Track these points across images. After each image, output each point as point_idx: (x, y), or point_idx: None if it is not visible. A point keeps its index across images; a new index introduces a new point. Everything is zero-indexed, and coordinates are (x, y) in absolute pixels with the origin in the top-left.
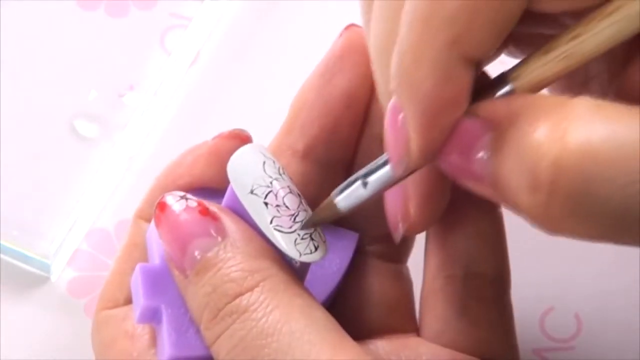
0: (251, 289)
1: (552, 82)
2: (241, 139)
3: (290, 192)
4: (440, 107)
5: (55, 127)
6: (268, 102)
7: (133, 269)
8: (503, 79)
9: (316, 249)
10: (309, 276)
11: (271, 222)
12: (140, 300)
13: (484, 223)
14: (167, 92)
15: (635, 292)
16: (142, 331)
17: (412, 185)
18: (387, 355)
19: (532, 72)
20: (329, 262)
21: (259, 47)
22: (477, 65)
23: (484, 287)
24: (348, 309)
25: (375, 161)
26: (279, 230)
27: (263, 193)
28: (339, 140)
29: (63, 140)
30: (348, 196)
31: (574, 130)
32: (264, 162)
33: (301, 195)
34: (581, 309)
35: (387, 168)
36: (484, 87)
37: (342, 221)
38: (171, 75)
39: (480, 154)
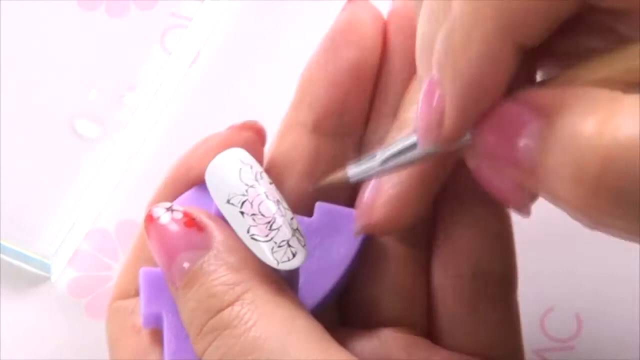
0: (232, 304)
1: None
2: (253, 130)
3: (267, 198)
4: (482, 89)
5: (55, 127)
6: (268, 101)
7: (146, 259)
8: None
9: (294, 255)
10: (314, 264)
11: (248, 231)
12: (142, 306)
13: (492, 221)
14: (167, 92)
15: (635, 292)
16: None
17: (387, 186)
18: (397, 350)
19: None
20: (337, 246)
21: (259, 47)
22: (525, 51)
23: (492, 286)
24: (364, 296)
25: (399, 143)
26: (255, 240)
27: (239, 202)
28: (348, 113)
29: (63, 140)
30: (359, 167)
31: (625, 126)
32: (240, 169)
33: (280, 200)
34: (581, 309)
35: (409, 150)
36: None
37: (352, 202)
38: (171, 75)
39: (525, 141)
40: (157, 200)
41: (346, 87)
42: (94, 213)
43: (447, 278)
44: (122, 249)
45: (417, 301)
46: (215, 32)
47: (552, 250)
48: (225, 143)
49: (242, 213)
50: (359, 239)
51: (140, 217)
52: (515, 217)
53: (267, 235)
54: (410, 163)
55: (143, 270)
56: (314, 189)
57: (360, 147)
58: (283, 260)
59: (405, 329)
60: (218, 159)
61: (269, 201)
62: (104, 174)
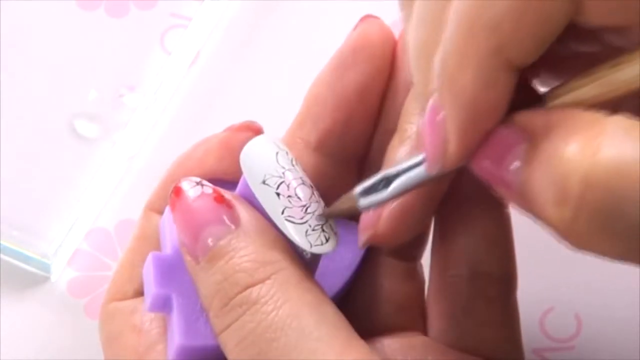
0: (262, 281)
1: (588, 106)
2: (252, 130)
3: (303, 183)
4: (481, 111)
5: (55, 127)
6: (268, 101)
7: (142, 261)
8: (540, 97)
9: (327, 240)
10: (320, 269)
11: (282, 213)
12: (151, 288)
13: (491, 222)
14: (167, 92)
15: (635, 292)
16: (150, 326)
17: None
18: (392, 354)
19: (569, 94)
20: (341, 256)
21: (259, 47)
22: (520, 71)
23: (490, 287)
24: (358, 305)
25: (404, 162)
26: (290, 221)
27: (275, 183)
28: (352, 134)
29: (63, 140)
30: (371, 197)
31: (606, 147)
32: (277, 153)
33: (314, 187)
34: (581, 309)
35: (416, 170)
36: (522, 102)
37: (356, 216)
38: (171, 75)
39: (513, 163)
40: (155, 199)
41: (351, 109)
42: (93, 213)
43: (445, 278)
44: (121, 249)
45: (412, 310)
46: (215, 32)
47: (552, 250)
48: (224, 144)
49: (277, 194)
50: (362, 251)
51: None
52: (515, 217)
53: (302, 218)
54: (419, 184)
55: (153, 254)
56: (323, 216)
57: (363, 167)
58: (316, 243)
59: (401, 333)
60: (255, 141)
61: (304, 186)
62: (104, 174)
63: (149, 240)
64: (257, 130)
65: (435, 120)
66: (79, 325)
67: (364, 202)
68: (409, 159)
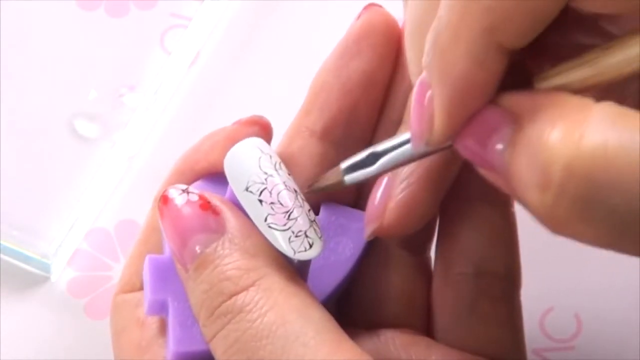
0: (246, 288)
1: (577, 90)
2: (260, 125)
3: (286, 188)
4: (469, 90)
5: (55, 127)
6: (268, 101)
7: (151, 253)
8: (530, 78)
9: (311, 246)
10: (320, 262)
11: (266, 220)
12: (147, 293)
13: (495, 221)
14: (167, 92)
15: (635, 292)
16: (152, 319)
17: (397, 189)
18: (396, 349)
19: (558, 76)
20: (343, 246)
21: (259, 47)
22: (511, 54)
23: (495, 286)
24: (364, 297)
25: (392, 139)
26: (273, 228)
27: (258, 190)
28: (357, 122)
29: (63, 140)
30: (357, 172)
31: (590, 135)
32: (260, 158)
33: (298, 191)
34: (581, 309)
35: (403, 147)
36: (511, 83)
37: (360, 206)
38: (171, 75)
39: (497, 145)
40: None
41: (357, 96)
42: (93, 213)
43: (449, 276)
44: (121, 249)
45: (417, 305)
46: (215, 32)
47: (552, 250)
48: (231, 137)
49: (260, 201)
50: (365, 240)
51: (140, 217)
52: (517, 217)
53: (285, 225)
54: (406, 162)
55: (149, 257)
56: (309, 192)
57: None
58: (300, 250)
59: (405, 329)
60: (238, 146)
61: (287, 191)
62: (104, 174)
63: (157, 232)
64: (264, 125)
65: (423, 97)
66: (79, 325)
67: (349, 177)
68: (396, 136)
